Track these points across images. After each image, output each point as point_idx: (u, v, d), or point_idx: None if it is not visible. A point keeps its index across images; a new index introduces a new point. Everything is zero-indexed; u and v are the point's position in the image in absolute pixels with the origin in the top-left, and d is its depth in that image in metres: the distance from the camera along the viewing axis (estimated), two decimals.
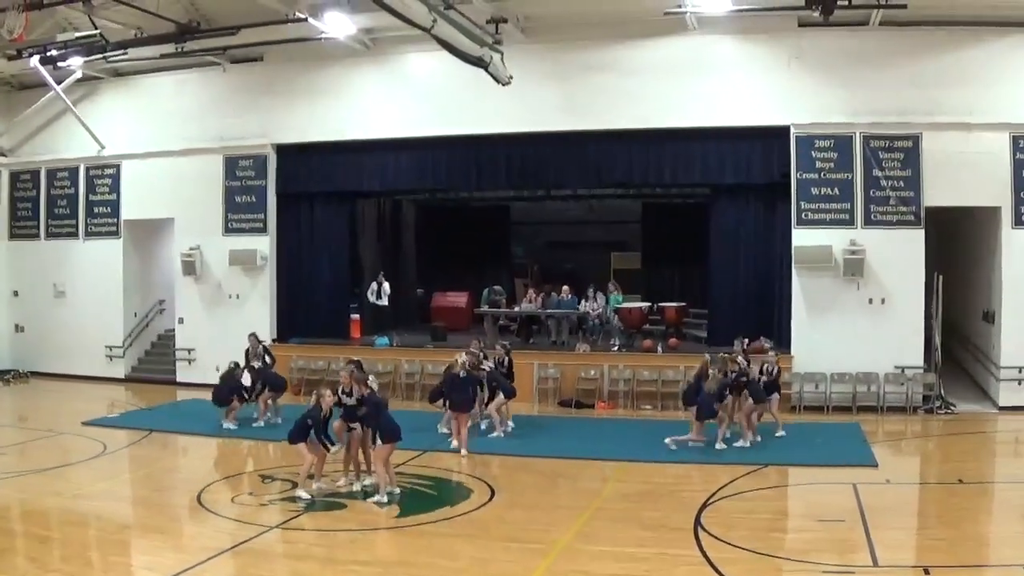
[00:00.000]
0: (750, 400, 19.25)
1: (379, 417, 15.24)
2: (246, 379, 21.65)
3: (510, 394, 20.77)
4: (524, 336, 27.83)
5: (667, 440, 18.76)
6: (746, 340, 21.09)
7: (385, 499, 14.98)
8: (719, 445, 18.71)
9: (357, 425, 15.90)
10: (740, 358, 19.58)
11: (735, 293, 25.20)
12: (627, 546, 13.00)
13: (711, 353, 20.06)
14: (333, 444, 15.93)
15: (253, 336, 23.11)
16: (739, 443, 18.94)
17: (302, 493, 15.18)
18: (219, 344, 24.69)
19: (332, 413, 15.80)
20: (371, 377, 15.93)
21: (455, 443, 19.39)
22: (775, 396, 19.99)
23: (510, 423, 20.85)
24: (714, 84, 24.21)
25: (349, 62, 26.74)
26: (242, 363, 22.11)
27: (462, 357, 20.07)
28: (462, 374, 19.62)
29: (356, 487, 15.76)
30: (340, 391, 16.31)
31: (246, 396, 21.67)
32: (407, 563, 12.57)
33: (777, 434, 19.73)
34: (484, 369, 20.32)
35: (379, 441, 15.16)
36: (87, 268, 30.03)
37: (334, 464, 16.33)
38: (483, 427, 20.70)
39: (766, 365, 20.12)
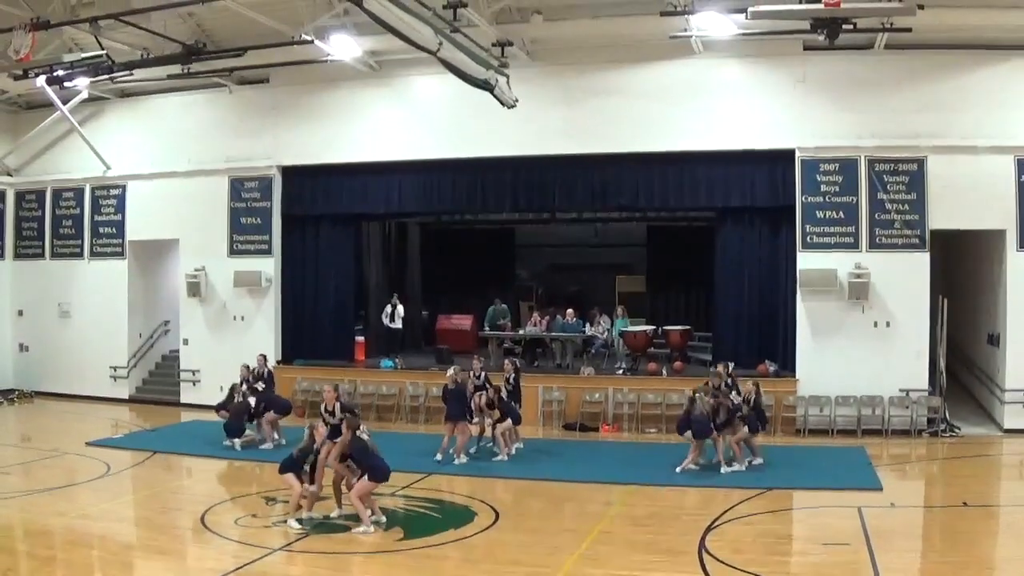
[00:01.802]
0: (745, 428, 19.14)
1: (366, 460, 15.01)
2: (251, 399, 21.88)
3: (517, 420, 20.78)
4: (529, 359, 27.76)
5: (677, 469, 18.73)
6: (731, 365, 20.87)
7: (371, 529, 14.74)
8: (724, 469, 18.66)
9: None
10: (734, 395, 19.36)
11: (740, 316, 25.17)
12: (632, 570, 12.98)
13: (697, 384, 19.98)
14: (312, 484, 15.71)
15: (262, 357, 23.19)
16: (734, 467, 18.82)
17: (293, 522, 15.02)
18: (223, 366, 24.67)
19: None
20: (363, 427, 15.68)
21: (439, 456, 19.86)
22: (744, 428, 19.39)
23: (516, 446, 20.83)
24: (719, 108, 24.27)
25: (355, 84, 26.80)
26: (239, 384, 22.32)
27: (450, 371, 20.43)
28: (451, 386, 20.05)
29: (335, 514, 15.51)
30: (323, 409, 16.49)
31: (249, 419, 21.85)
32: None
33: (755, 461, 19.31)
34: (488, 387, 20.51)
35: (364, 477, 15.04)
36: (92, 288, 30.05)
37: (327, 491, 16.13)
38: (473, 450, 20.55)
39: (747, 395, 19.61)
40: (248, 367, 22.67)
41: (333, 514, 15.51)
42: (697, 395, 18.89)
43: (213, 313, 28.39)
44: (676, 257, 31.81)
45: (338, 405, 16.53)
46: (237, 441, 21.51)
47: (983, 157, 22.70)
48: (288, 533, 14.64)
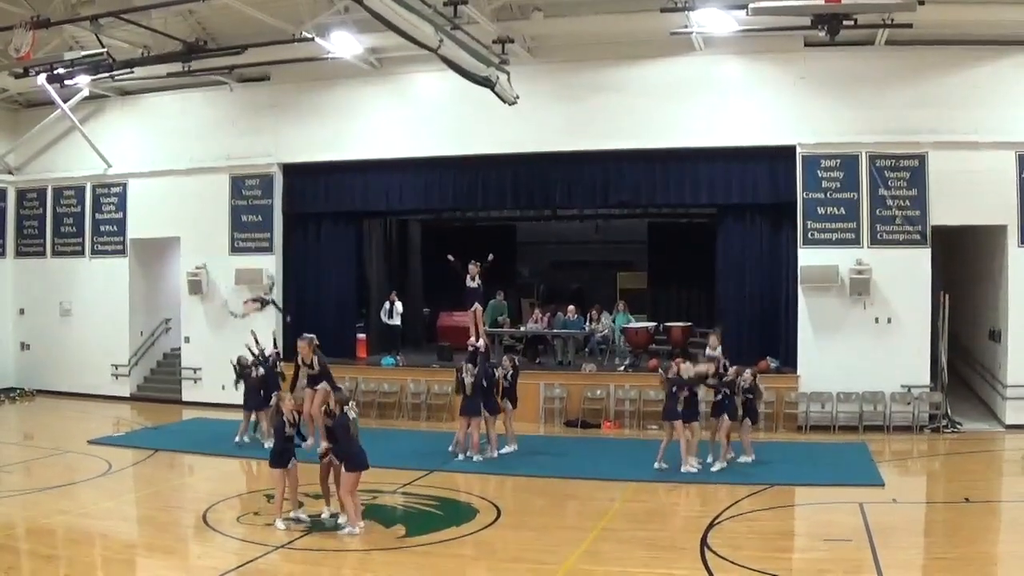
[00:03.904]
0: (726, 419, 18.98)
1: (346, 442, 14.68)
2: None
3: (492, 410, 20.40)
4: (530, 356, 27.77)
5: (683, 468, 18.67)
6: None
7: (356, 530, 14.51)
8: (712, 463, 18.67)
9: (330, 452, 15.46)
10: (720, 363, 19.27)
11: (741, 313, 25.12)
12: (633, 566, 12.99)
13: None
14: (305, 439, 15.65)
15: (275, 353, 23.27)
16: (715, 467, 18.69)
17: (279, 524, 14.81)
18: (225, 363, 24.62)
19: (297, 419, 15.44)
20: (351, 403, 15.44)
21: (461, 452, 19.85)
22: (746, 422, 19.36)
23: (508, 448, 20.70)
24: (720, 104, 24.25)
25: (356, 82, 26.80)
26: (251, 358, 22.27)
27: (469, 368, 20.09)
28: (469, 390, 19.73)
29: (325, 514, 15.27)
30: (300, 361, 16.42)
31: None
32: None
33: (740, 459, 19.16)
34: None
35: (343, 469, 14.74)
36: (93, 286, 30.08)
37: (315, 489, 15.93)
38: (460, 456, 20.17)
39: (740, 384, 19.32)
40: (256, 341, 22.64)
41: (324, 514, 15.26)
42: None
43: (214, 311, 28.36)
44: (677, 254, 31.77)
45: (315, 358, 16.50)
46: (245, 438, 21.60)
47: (984, 153, 22.67)
48: (291, 531, 14.62)
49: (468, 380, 19.65)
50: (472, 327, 21.51)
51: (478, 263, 22.18)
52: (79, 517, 15.72)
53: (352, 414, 14.88)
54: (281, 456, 15.04)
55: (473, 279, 21.73)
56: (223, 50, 23.07)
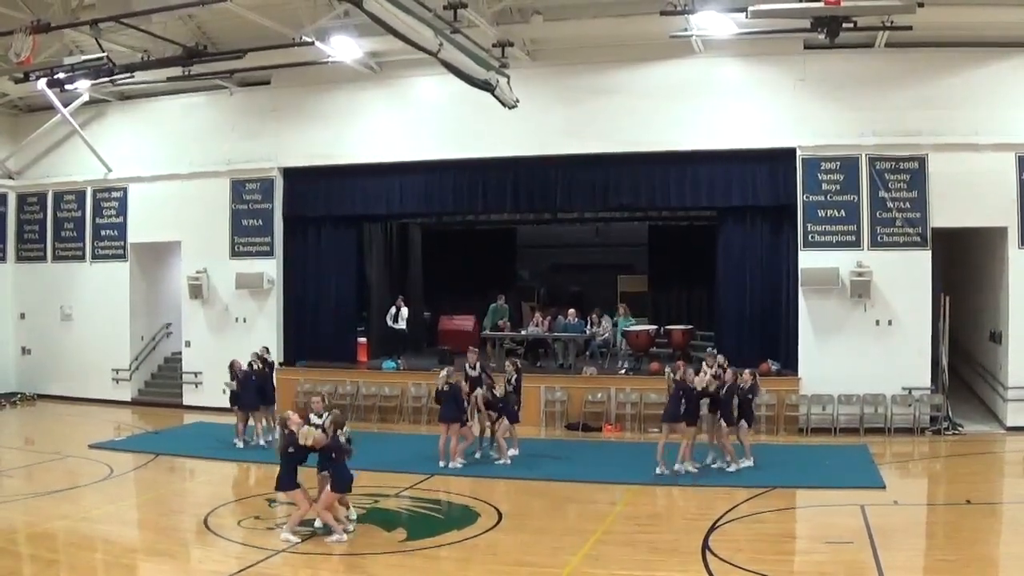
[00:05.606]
0: (724, 424, 18.96)
1: (332, 464, 14.64)
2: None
3: (514, 419, 20.57)
4: (531, 359, 27.75)
5: (676, 467, 18.69)
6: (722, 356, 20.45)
7: (344, 537, 14.43)
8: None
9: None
10: (721, 371, 19.25)
11: (742, 316, 25.10)
12: (635, 569, 13.00)
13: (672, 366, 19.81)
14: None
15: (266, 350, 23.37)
16: (730, 468, 18.77)
17: (291, 536, 14.54)
18: (225, 368, 24.62)
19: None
20: (347, 428, 15.31)
21: (441, 462, 19.66)
22: (743, 424, 19.28)
23: (513, 451, 20.58)
24: (720, 107, 24.25)
25: (356, 86, 26.81)
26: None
27: (442, 372, 20.15)
28: (444, 387, 19.73)
29: (318, 523, 14.94)
30: (311, 415, 16.28)
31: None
32: None
33: (742, 463, 19.06)
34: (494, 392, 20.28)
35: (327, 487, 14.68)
36: (94, 291, 30.10)
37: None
38: (478, 456, 20.45)
39: (741, 385, 19.30)
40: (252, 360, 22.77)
41: (317, 523, 14.97)
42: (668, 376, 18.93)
43: (215, 315, 28.41)
44: (678, 257, 31.76)
45: (325, 412, 16.42)
46: (239, 442, 21.68)
47: (984, 154, 22.68)
48: (291, 534, 14.62)
49: (443, 389, 19.74)
50: (472, 412, 21.07)
51: (475, 349, 22.32)
52: (80, 521, 15.74)
53: (342, 438, 14.79)
54: (290, 478, 14.87)
55: (473, 367, 21.60)
56: (223, 54, 23.03)
